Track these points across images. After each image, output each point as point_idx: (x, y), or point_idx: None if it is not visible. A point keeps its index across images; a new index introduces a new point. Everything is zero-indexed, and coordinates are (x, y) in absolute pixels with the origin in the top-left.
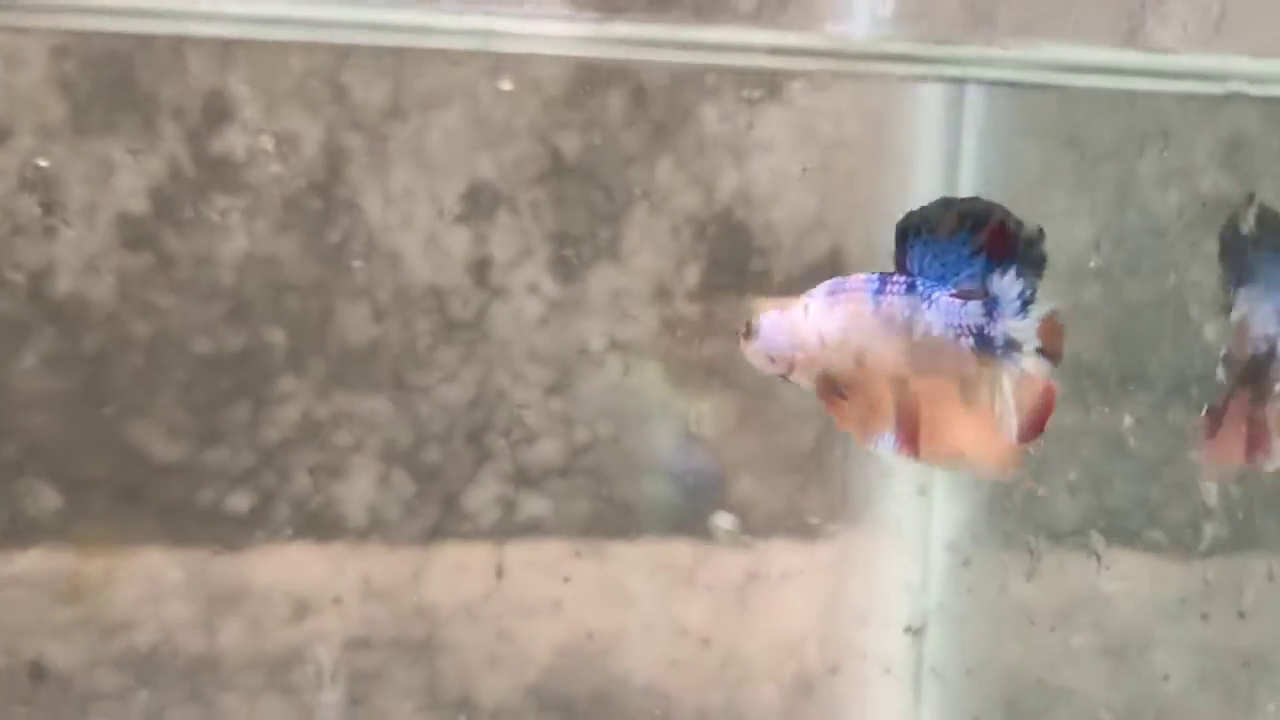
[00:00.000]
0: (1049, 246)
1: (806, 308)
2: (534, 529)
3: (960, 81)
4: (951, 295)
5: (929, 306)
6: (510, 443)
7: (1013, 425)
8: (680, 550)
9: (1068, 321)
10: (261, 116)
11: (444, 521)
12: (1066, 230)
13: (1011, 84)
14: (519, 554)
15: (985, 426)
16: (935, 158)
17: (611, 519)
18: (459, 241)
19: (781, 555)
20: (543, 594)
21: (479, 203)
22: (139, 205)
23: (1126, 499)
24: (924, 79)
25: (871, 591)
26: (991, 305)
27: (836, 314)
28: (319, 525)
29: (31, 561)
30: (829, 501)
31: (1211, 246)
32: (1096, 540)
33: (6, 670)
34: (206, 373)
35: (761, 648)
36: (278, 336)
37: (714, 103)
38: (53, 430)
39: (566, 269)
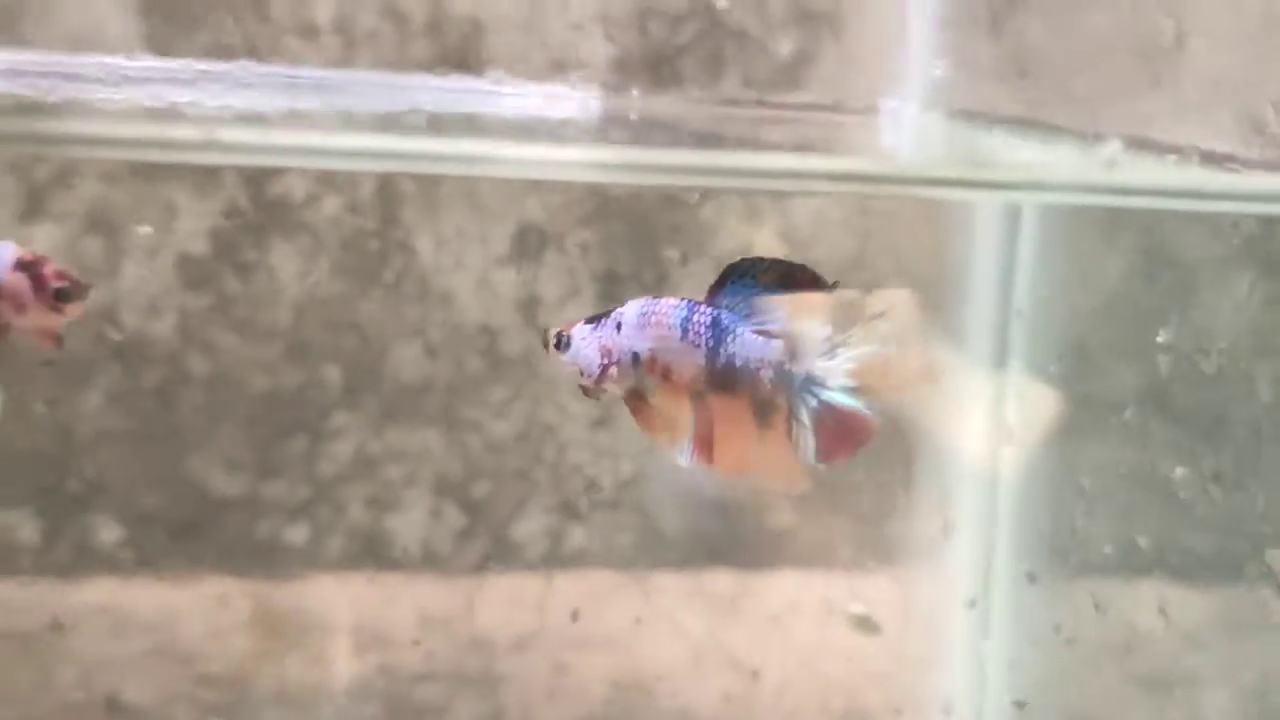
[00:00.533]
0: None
1: (619, 325)
2: (581, 560)
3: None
4: (755, 331)
5: (732, 340)
6: (557, 477)
7: (810, 449)
8: (723, 579)
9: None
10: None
11: (494, 553)
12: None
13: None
14: (567, 585)
15: (777, 447)
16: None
17: (656, 550)
18: (508, 281)
19: (830, 590)
20: (591, 625)
21: (527, 244)
22: (199, 246)
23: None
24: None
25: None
26: (794, 345)
27: (647, 334)
28: (373, 557)
29: (99, 594)
30: (884, 538)
31: None
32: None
33: (85, 704)
34: (264, 409)
35: (814, 682)
36: (333, 374)
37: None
38: (116, 465)
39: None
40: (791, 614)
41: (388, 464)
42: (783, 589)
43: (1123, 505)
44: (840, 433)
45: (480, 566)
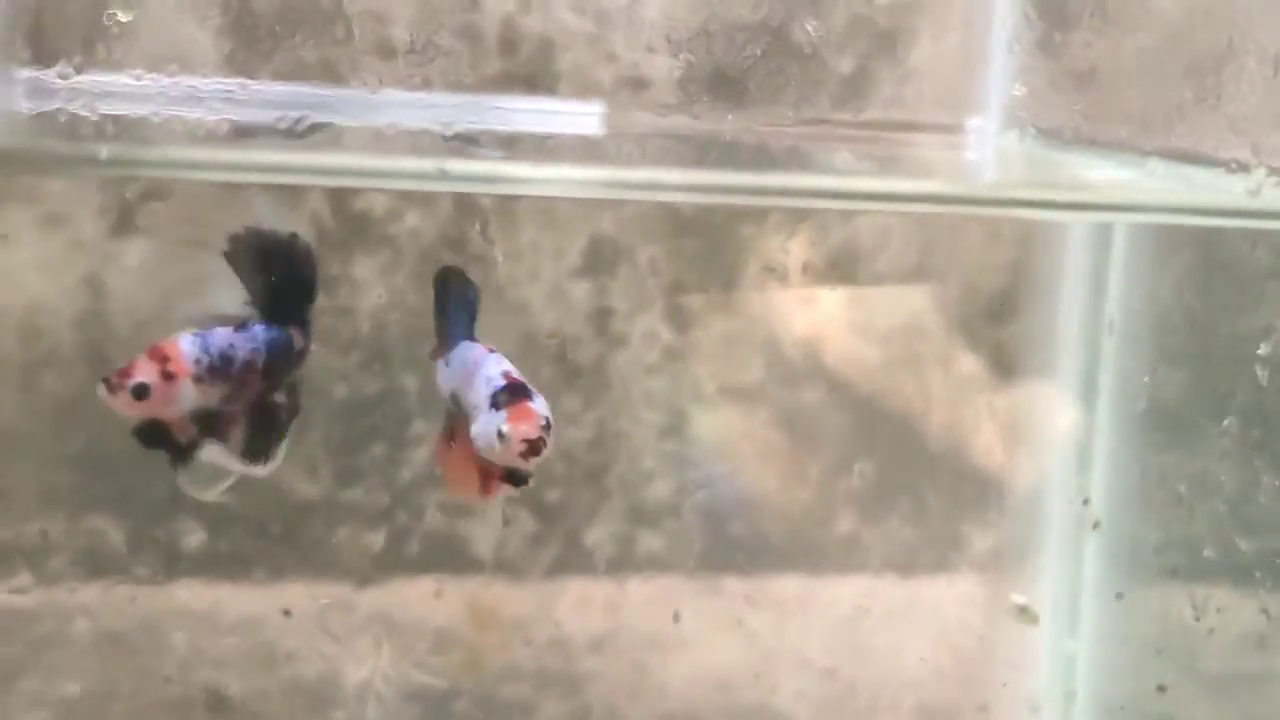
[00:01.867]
0: None
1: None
2: (650, 564)
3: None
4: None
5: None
6: (627, 483)
7: (496, 471)
8: (790, 584)
9: None
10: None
11: (565, 557)
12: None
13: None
14: (637, 588)
15: (464, 466)
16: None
17: (722, 554)
18: (581, 293)
19: (899, 591)
20: (663, 627)
21: (599, 257)
22: None
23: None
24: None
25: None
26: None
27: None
28: (449, 561)
29: (191, 594)
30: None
31: None
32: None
33: (183, 700)
34: (345, 417)
35: (888, 680)
36: (411, 382)
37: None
38: None
39: (681, 319)
40: (862, 615)
41: None
42: (851, 592)
43: (1221, 513)
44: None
45: (553, 571)
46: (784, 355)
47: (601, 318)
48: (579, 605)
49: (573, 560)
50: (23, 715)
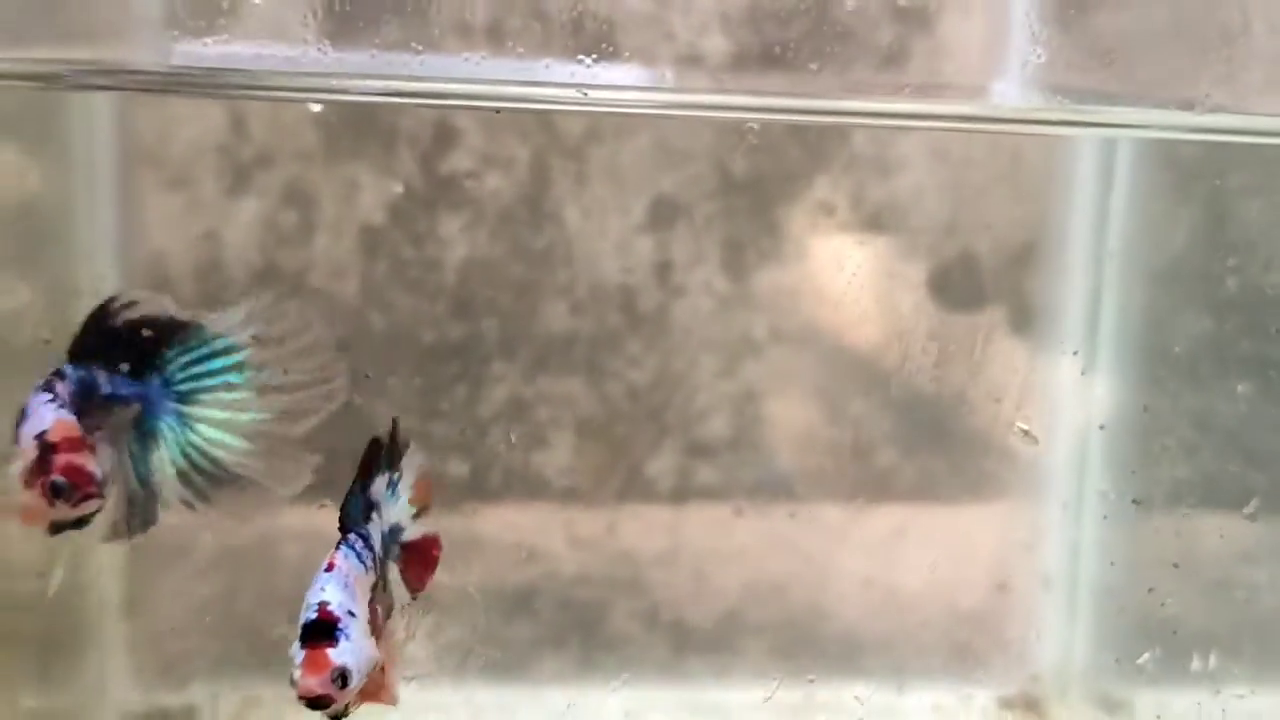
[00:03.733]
0: None
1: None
2: (705, 493)
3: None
4: None
5: None
6: (685, 419)
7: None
8: (832, 512)
9: None
10: (482, 142)
11: (629, 486)
12: None
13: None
14: (695, 513)
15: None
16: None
17: (772, 484)
18: (645, 247)
19: (920, 516)
20: (719, 545)
21: (661, 214)
22: (378, 218)
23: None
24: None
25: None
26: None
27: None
28: (526, 488)
29: (297, 518)
30: (975, 469)
31: None
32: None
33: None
34: (432, 359)
35: (921, 586)
36: (491, 328)
37: (863, 131)
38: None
39: (735, 270)
40: (898, 538)
41: (538, 407)
42: (888, 518)
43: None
44: (424, 559)
45: (618, 497)
46: (828, 302)
47: (663, 270)
48: (643, 528)
49: (636, 489)
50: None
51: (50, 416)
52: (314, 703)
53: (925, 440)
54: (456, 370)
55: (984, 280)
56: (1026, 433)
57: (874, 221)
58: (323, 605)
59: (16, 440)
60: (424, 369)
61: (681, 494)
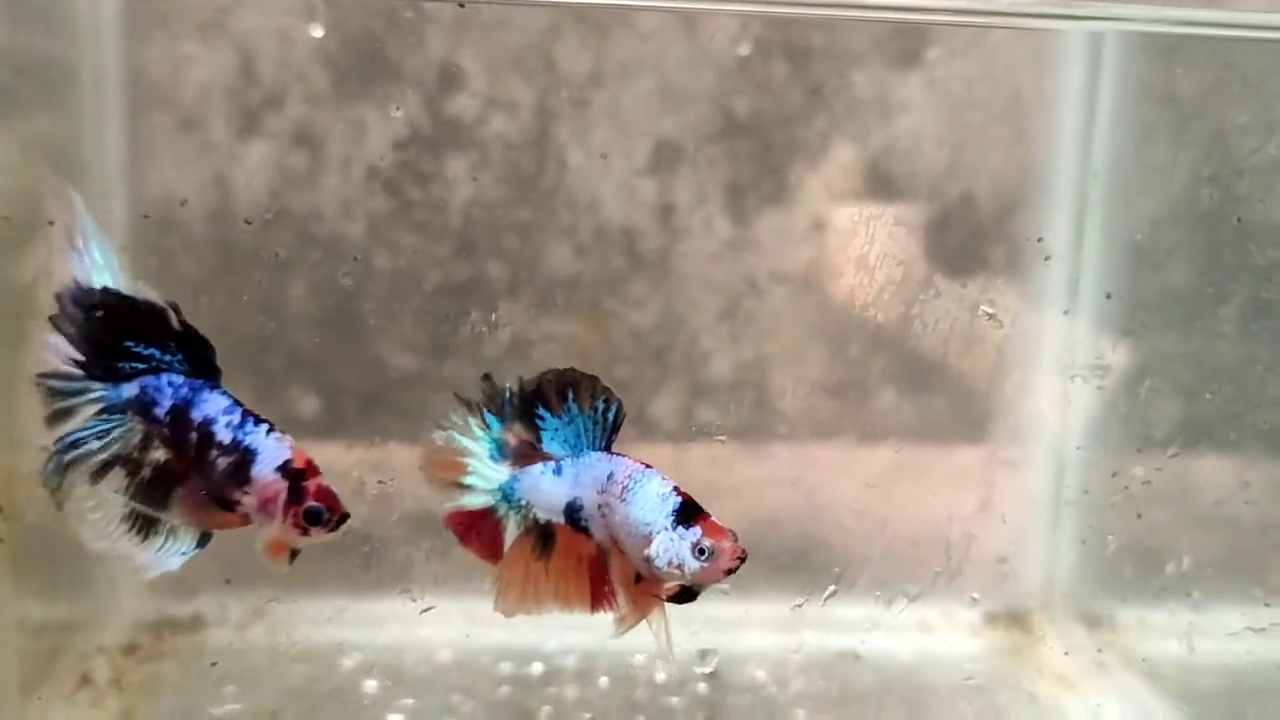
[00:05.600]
0: None
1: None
2: (707, 432)
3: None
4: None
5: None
6: (688, 360)
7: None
8: (829, 452)
9: None
10: (486, 85)
11: (633, 425)
12: None
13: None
14: (698, 452)
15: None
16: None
17: (769, 424)
18: (647, 190)
19: (911, 457)
20: (722, 481)
21: (664, 157)
22: (385, 159)
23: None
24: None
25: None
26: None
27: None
28: None
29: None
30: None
31: None
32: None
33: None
34: (438, 299)
35: (914, 519)
36: (496, 269)
37: (862, 69)
38: (313, 345)
39: (737, 213)
40: (898, 472)
41: (542, 347)
42: (882, 458)
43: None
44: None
45: (623, 438)
46: (827, 245)
47: (665, 213)
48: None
49: (640, 428)
50: None
51: (285, 446)
52: (739, 564)
53: (919, 382)
54: (461, 310)
55: (980, 222)
56: (991, 315)
57: (874, 164)
58: (677, 489)
59: (246, 480)
60: (429, 309)
61: (684, 433)
